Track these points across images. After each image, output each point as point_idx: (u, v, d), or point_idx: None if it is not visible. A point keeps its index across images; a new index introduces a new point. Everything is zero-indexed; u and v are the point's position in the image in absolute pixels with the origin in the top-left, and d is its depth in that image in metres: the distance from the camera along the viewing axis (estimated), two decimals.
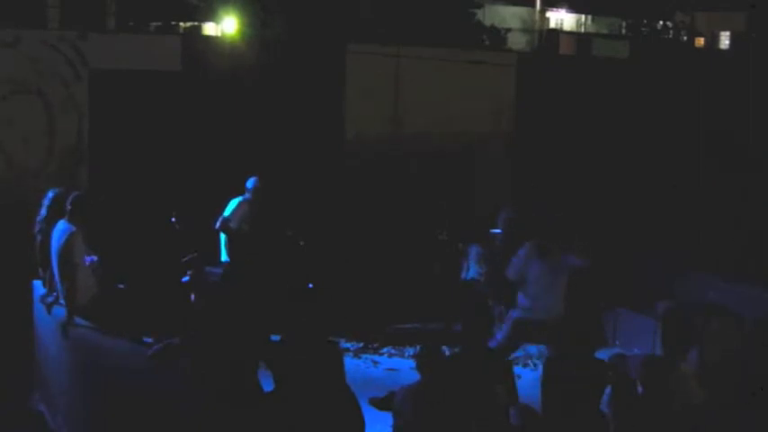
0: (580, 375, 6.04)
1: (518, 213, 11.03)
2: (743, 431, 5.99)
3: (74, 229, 7.41)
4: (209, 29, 22.56)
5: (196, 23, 22.61)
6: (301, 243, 9.94)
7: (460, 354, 6.47)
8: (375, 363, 9.41)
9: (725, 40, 38.00)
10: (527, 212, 10.96)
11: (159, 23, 21.87)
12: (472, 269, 10.55)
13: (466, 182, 13.57)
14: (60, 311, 7.41)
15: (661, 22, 35.25)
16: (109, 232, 7.98)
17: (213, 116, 12.22)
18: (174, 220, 8.82)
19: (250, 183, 9.93)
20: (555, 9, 34.79)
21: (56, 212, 7.67)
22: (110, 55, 11.72)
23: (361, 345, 9.76)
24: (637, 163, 14.86)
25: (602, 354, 6.46)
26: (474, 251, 10.60)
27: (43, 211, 7.86)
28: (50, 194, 7.92)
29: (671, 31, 35.70)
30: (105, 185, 11.17)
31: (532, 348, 9.86)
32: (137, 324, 7.09)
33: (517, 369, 8.65)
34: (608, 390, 6.13)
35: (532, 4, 31.67)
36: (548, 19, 34.39)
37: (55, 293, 7.64)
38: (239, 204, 9.87)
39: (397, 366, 9.31)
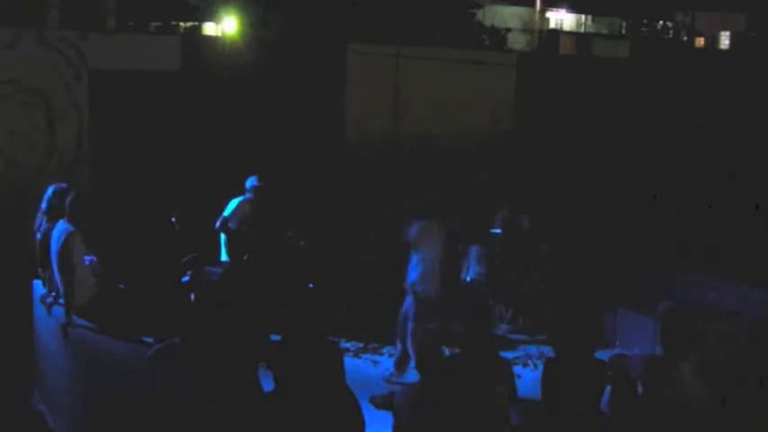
0: (580, 375, 6.04)
1: (515, 213, 11.07)
2: (743, 431, 5.99)
3: (73, 229, 7.40)
4: (210, 29, 22.56)
5: (196, 23, 22.60)
6: (302, 243, 9.94)
7: (460, 354, 6.47)
8: (375, 363, 9.41)
9: (725, 40, 38.02)
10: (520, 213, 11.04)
11: (159, 23, 21.87)
12: (472, 269, 10.56)
13: (465, 181, 13.59)
14: (60, 311, 7.41)
15: (661, 22, 35.25)
16: (109, 232, 7.98)
17: (213, 116, 12.24)
18: (173, 220, 8.81)
19: (250, 182, 9.93)
20: (555, 9, 34.77)
21: (57, 208, 7.66)
22: (110, 55, 11.74)
23: (361, 345, 9.77)
24: (636, 162, 14.88)
25: (602, 354, 6.45)
26: (474, 251, 10.60)
27: (44, 205, 7.85)
28: (51, 189, 7.91)
29: (671, 31, 35.70)
30: (105, 185, 11.19)
31: (532, 348, 9.88)
32: (137, 324, 7.08)
33: (517, 369, 8.65)
34: (608, 390, 6.13)
35: (532, 4, 31.64)
36: (548, 19, 34.37)
37: (55, 293, 7.63)
38: (239, 204, 9.87)
39: None
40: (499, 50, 21.02)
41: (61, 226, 7.47)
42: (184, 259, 8.34)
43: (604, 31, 35.66)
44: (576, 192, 13.70)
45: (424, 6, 19.80)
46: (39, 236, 7.86)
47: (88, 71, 11.55)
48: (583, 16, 37.27)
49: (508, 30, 25.24)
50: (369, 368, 9.23)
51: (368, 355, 9.57)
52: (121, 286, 7.70)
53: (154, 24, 21.81)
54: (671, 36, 35.47)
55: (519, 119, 14.83)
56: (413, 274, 8.90)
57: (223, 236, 9.85)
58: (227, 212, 9.82)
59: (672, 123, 15.81)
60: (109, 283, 7.55)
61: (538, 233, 11.03)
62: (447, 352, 6.71)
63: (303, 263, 9.88)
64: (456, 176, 13.43)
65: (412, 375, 6.36)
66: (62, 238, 7.38)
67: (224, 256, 9.86)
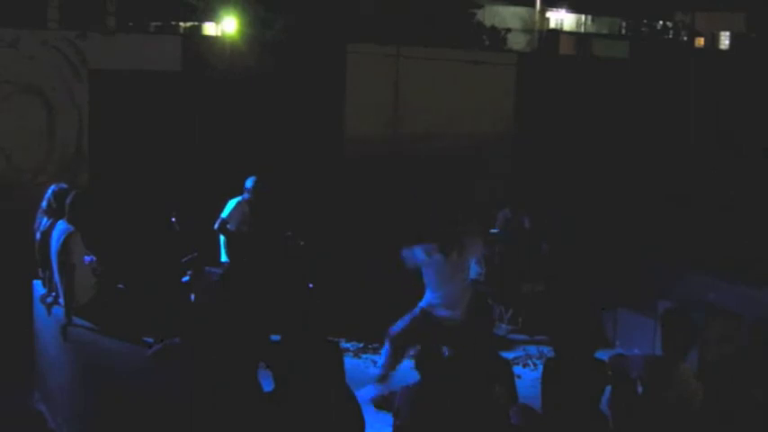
0: (580, 375, 6.04)
1: (515, 213, 11.08)
2: (742, 431, 5.99)
3: (73, 229, 7.40)
4: (210, 29, 22.55)
5: (196, 23, 22.59)
6: (301, 243, 9.94)
7: (460, 354, 6.47)
8: (375, 363, 9.40)
9: (725, 40, 37.97)
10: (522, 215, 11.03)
11: (159, 23, 21.86)
12: (472, 269, 10.56)
13: (466, 182, 13.59)
14: (60, 311, 7.41)
15: (661, 22, 35.25)
16: (109, 232, 7.97)
17: (213, 116, 12.23)
18: (173, 220, 8.81)
19: (249, 182, 9.93)
20: (555, 9, 34.73)
21: (57, 208, 7.66)
22: (110, 55, 11.72)
23: (361, 345, 9.76)
24: (636, 162, 14.89)
25: (602, 354, 6.46)
26: None
27: (43, 205, 7.84)
28: (51, 189, 7.90)
29: (671, 31, 35.70)
30: (105, 185, 11.18)
31: (532, 348, 9.88)
32: (137, 324, 7.08)
33: (517, 369, 8.65)
34: (608, 390, 6.13)
35: (532, 4, 31.61)
36: (548, 19, 34.33)
37: (55, 293, 7.63)
38: (238, 204, 9.87)
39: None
40: (499, 50, 21.02)
41: (61, 226, 7.47)
42: (184, 259, 8.34)
43: (604, 31, 35.64)
44: (576, 191, 13.71)
45: (424, 6, 19.80)
46: (38, 236, 7.86)
47: (88, 71, 11.53)
48: (583, 16, 37.23)
49: (508, 30, 25.23)
50: (369, 368, 9.22)
51: (368, 355, 9.56)
52: (121, 286, 7.70)
53: (154, 24, 21.80)
54: (671, 36, 35.47)
55: (519, 119, 14.82)
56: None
57: (222, 237, 9.86)
58: (225, 213, 9.82)
59: (671, 123, 15.82)
60: (109, 283, 7.55)
61: (538, 233, 11.04)
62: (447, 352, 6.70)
63: (303, 263, 9.88)
64: (455, 176, 13.43)
65: (411, 375, 6.36)
66: (62, 238, 7.38)
67: (224, 257, 9.86)
